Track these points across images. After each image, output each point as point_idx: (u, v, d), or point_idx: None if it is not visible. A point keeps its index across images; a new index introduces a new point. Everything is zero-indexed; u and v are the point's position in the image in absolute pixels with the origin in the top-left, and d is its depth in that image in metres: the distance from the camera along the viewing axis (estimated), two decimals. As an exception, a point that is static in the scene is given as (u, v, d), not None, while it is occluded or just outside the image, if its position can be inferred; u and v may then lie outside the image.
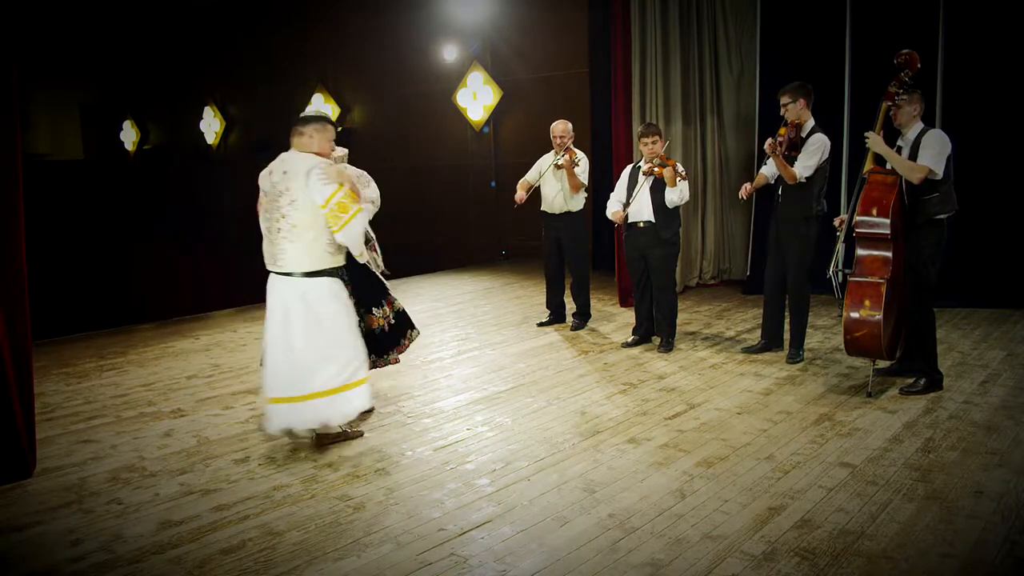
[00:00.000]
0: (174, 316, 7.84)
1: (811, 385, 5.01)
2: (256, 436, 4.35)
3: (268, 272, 4.03)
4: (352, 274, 4.24)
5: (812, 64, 7.38)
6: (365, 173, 4.55)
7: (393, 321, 4.64)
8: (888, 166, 4.75)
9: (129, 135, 18.69)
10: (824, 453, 3.91)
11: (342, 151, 4.41)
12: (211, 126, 16.48)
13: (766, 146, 5.25)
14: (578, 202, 6.50)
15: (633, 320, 6.26)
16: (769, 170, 5.49)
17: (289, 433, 4.16)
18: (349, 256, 4.12)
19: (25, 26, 14.43)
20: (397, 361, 4.77)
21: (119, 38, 17.29)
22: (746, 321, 6.80)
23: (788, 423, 4.34)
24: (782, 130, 5.21)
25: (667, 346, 5.90)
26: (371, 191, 4.48)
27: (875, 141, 4.64)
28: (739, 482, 3.60)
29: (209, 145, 16.60)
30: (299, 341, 3.92)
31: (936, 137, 4.56)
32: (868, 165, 4.73)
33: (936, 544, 3.01)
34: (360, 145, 12.47)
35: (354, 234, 3.89)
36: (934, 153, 4.49)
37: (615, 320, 6.99)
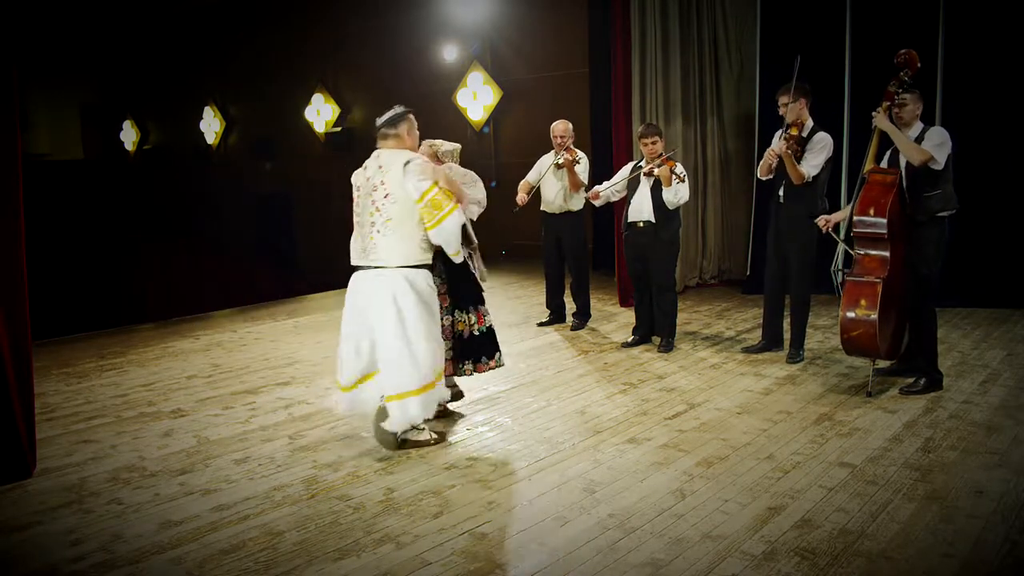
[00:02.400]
0: (174, 316, 7.84)
1: (811, 385, 5.01)
2: (256, 436, 4.35)
3: (352, 268, 4.06)
4: (449, 273, 4.37)
5: (812, 64, 7.33)
6: (471, 173, 4.71)
7: (477, 334, 4.53)
8: (885, 163, 4.76)
9: (129, 135, 18.69)
10: (824, 453, 3.91)
11: (452, 145, 4.72)
12: (211, 126, 16.48)
13: (779, 147, 5.19)
14: (578, 202, 6.50)
15: (633, 320, 6.26)
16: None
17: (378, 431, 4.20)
18: (445, 255, 4.11)
19: (25, 26, 14.42)
20: (471, 373, 4.54)
21: (119, 38, 17.28)
22: (746, 321, 6.80)
23: (788, 423, 4.34)
24: (793, 129, 5.19)
25: (667, 346, 5.90)
26: (476, 191, 4.60)
27: (881, 119, 4.63)
28: (739, 482, 3.60)
29: (209, 145, 16.60)
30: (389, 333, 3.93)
31: (939, 132, 4.62)
32: (868, 164, 4.73)
33: (936, 544, 3.01)
34: (360, 145, 12.49)
35: (448, 232, 3.91)
36: (936, 143, 4.53)
37: (615, 320, 6.99)
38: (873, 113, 4.68)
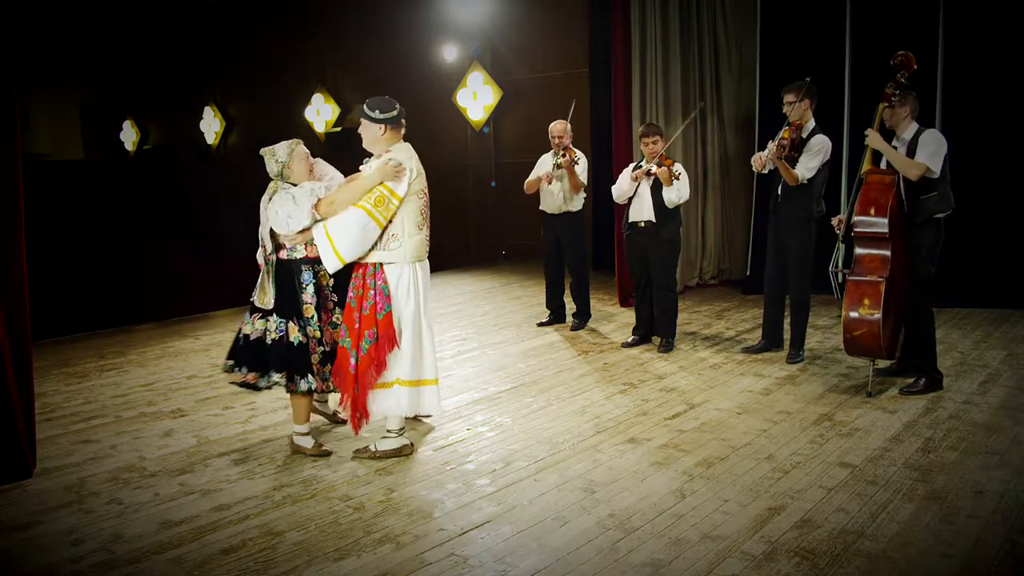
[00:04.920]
0: (174, 316, 7.84)
1: (811, 385, 5.01)
2: (256, 436, 4.35)
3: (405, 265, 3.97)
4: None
5: (812, 64, 7.33)
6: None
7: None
8: (884, 164, 4.76)
9: (129, 135, 18.68)
10: (824, 453, 3.91)
11: None
12: (211, 126, 16.48)
13: (770, 153, 5.20)
14: (577, 202, 6.50)
15: (633, 320, 6.26)
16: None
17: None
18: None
19: (25, 26, 14.42)
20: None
21: (119, 38, 17.28)
22: (746, 321, 6.80)
23: (788, 423, 4.34)
24: (785, 132, 5.19)
25: (667, 346, 5.90)
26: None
27: (874, 138, 4.65)
28: (739, 482, 3.60)
29: (209, 145, 16.60)
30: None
31: (933, 136, 4.59)
32: (866, 165, 4.74)
33: (936, 544, 3.01)
34: (360, 145, 12.47)
35: None
36: (931, 152, 4.52)
37: (615, 320, 6.99)
38: (866, 132, 4.68)
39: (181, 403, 4.98)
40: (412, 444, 4.10)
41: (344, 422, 4.33)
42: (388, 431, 4.04)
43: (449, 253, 11.32)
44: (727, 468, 3.76)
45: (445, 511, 3.39)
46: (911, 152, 4.59)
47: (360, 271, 3.94)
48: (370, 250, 3.90)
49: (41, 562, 3.05)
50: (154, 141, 18.44)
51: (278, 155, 4.03)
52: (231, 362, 4.13)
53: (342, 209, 3.83)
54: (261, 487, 3.67)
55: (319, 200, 3.91)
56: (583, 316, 6.76)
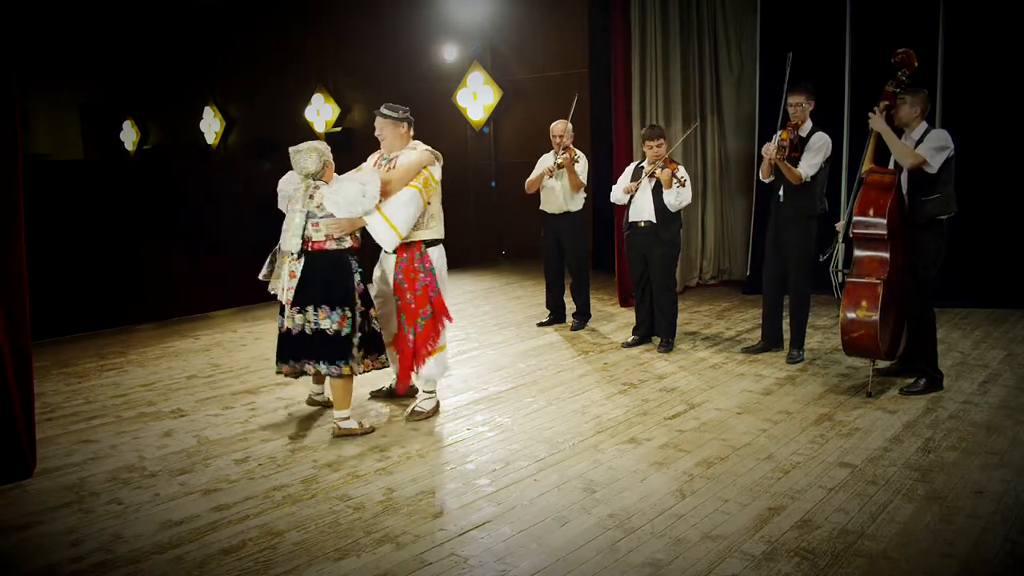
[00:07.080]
0: (174, 316, 7.84)
1: (811, 385, 5.01)
2: (256, 436, 4.35)
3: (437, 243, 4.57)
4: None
5: (812, 64, 7.36)
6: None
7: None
8: (891, 164, 4.76)
9: (129, 135, 18.70)
10: (824, 453, 3.91)
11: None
12: (211, 126, 16.49)
13: (772, 154, 5.19)
14: (578, 202, 6.49)
15: (633, 320, 6.26)
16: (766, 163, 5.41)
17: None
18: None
19: (25, 26, 14.43)
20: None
21: (119, 38, 17.29)
22: (746, 321, 6.80)
23: (788, 423, 4.34)
24: (783, 134, 5.18)
25: (667, 346, 5.90)
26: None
27: (876, 121, 4.62)
28: (739, 482, 3.60)
29: (209, 145, 16.60)
30: None
31: (939, 134, 4.58)
32: (867, 165, 4.73)
33: (936, 544, 3.01)
34: (360, 145, 12.49)
35: None
36: (933, 146, 4.51)
37: (615, 320, 6.99)
38: (869, 114, 4.67)
39: (181, 403, 4.98)
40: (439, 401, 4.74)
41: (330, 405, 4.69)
42: (427, 392, 4.62)
43: (449, 253, 11.29)
44: (727, 468, 3.76)
45: (445, 511, 3.39)
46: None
47: (406, 255, 4.41)
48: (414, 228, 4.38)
49: (41, 562, 3.05)
50: (154, 141, 18.45)
51: (326, 155, 4.24)
52: (278, 360, 4.37)
53: (399, 188, 4.25)
54: (261, 487, 3.67)
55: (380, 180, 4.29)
56: (583, 316, 6.76)
